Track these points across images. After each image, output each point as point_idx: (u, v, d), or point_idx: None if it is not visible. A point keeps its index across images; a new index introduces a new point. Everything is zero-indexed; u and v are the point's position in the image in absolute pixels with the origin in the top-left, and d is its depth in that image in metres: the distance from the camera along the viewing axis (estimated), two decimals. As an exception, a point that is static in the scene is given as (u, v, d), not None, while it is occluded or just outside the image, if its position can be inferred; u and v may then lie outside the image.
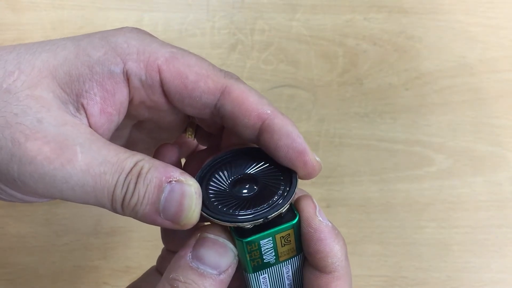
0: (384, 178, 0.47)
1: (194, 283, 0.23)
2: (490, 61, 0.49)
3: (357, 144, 0.48)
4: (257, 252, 0.24)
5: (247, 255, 0.24)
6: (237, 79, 0.26)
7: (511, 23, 0.50)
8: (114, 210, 0.23)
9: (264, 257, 0.25)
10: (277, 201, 0.24)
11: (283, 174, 0.26)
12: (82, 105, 0.24)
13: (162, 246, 0.45)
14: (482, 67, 0.49)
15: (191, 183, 0.23)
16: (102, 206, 0.23)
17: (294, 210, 0.25)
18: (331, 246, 0.24)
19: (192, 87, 0.25)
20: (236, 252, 0.24)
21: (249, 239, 0.24)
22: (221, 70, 0.26)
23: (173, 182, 0.23)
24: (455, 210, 0.46)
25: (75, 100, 0.24)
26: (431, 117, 0.48)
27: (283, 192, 0.25)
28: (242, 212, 0.24)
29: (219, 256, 0.24)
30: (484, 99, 0.49)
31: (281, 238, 0.25)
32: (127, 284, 0.45)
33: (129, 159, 0.23)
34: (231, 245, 0.24)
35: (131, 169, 0.23)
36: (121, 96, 0.25)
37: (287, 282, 0.27)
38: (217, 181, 0.26)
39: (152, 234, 0.46)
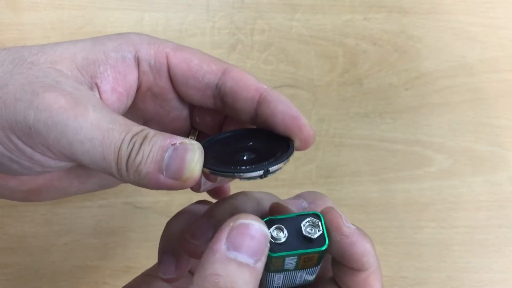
0: (384, 178, 0.47)
1: (234, 276, 0.22)
2: (490, 61, 0.49)
3: (357, 144, 0.48)
4: (280, 263, 0.25)
5: (270, 264, 0.25)
6: (237, 66, 0.28)
7: (511, 23, 0.50)
8: (118, 171, 0.24)
9: (284, 266, 0.26)
10: (278, 156, 0.25)
11: (280, 143, 0.27)
12: (96, 84, 0.27)
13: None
14: (482, 67, 0.49)
15: (193, 143, 0.24)
16: (108, 166, 0.24)
17: (325, 236, 0.25)
18: (364, 246, 0.26)
19: (196, 68, 0.27)
20: (269, 235, 0.24)
21: (276, 254, 0.24)
22: (221, 59, 0.28)
23: (177, 144, 0.24)
24: (455, 210, 0.46)
25: (90, 81, 0.26)
26: (431, 117, 0.48)
27: (282, 153, 0.26)
28: (243, 167, 0.24)
29: (255, 243, 0.23)
30: (484, 99, 0.49)
31: (305, 257, 0.25)
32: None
33: (136, 125, 0.24)
34: (265, 229, 0.23)
35: (138, 132, 0.24)
36: (131, 78, 0.27)
37: (298, 280, 0.28)
38: (218, 150, 0.27)
39: (152, 235, 0.46)
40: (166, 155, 0.23)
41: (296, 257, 0.25)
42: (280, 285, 0.28)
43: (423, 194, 0.47)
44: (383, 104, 0.48)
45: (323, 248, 0.25)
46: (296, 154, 0.47)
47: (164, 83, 0.28)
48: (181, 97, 0.29)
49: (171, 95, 0.29)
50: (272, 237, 0.24)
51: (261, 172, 0.24)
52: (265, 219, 0.25)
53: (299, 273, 0.27)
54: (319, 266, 0.27)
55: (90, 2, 0.51)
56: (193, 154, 0.24)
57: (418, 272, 0.45)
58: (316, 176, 0.47)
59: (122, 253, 0.46)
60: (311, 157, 0.47)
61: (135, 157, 0.23)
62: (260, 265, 0.23)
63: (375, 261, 0.27)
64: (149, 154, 0.23)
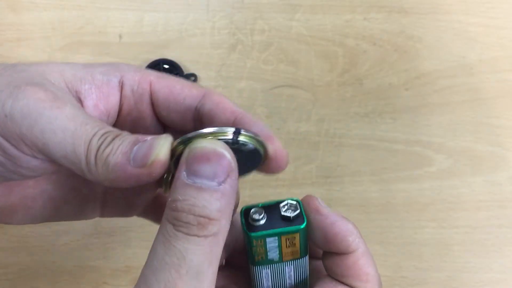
0: (384, 178, 0.47)
1: (192, 198, 0.22)
2: (490, 61, 0.49)
3: (357, 144, 0.48)
4: (262, 248, 0.26)
5: (253, 249, 0.26)
6: (218, 92, 0.29)
7: (511, 23, 0.50)
8: (87, 164, 0.24)
9: (268, 254, 0.26)
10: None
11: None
12: (80, 99, 0.27)
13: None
14: (482, 67, 0.49)
15: (164, 135, 0.24)
16: (78, 159, 0.24)
17: (303, 215, 0.26)
18: (346, 225, 0.27)
19: (178, 92, 0.29)
20: (232, 158, 0.23)
21: (256, 234, 0.25)
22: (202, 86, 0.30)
23: (148, 139, 0.24)
24: (455, 210, 0.46)
25: (75, 95, 0.27)
26: (431, 117, 0.48)
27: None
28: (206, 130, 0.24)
29: (214, 165, 0.23)
30: (484, 99, 0.49)
31: (287, 240, 0.26)
32: (127, 284, 0.45)
33: (112, 127, 0.25)
34: (224, 150, 0.23)
35: (112, 130, 0.25)
36: (113, 99, 0.29)
37: (288, 281, 0.28)
38: None
39: (152, 235, 0.46)
40: (135, 147, 0.24)
41: (277, 238, 0.26)
42: (270, 285, 0.28)
43: (423, 194, 0.47)
44: (383, 104, 0.48)
45: (302, 226, 0.26)
46: (296, 154, 0.47)
47: (145, 107, 0.29)
48: (160, 122, 0.30)
49: (150, 119, 0.30)
50: (252, 219, 0.26)
51: (232, 131, 0.24)
52: (243, 208, 0.26)
53: (287, 269, 0.27)
54: (305, 261, 0.27)
55: (90, 2, 0.51)
56: (160, 141, 0.24)
57: (418, 272, 0.45)
58: (316, 176, 0.47)
59: (122, 253, 0.46)
60: (311, 157, 0.47)
61: (104, 150, 0.24)
62: (227, 187, 0.23)
63: (361, 242, 0.27)
64: (118, 147, 0.24)
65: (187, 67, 0.49)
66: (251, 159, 0.26)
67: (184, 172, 0.23)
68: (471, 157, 0.47)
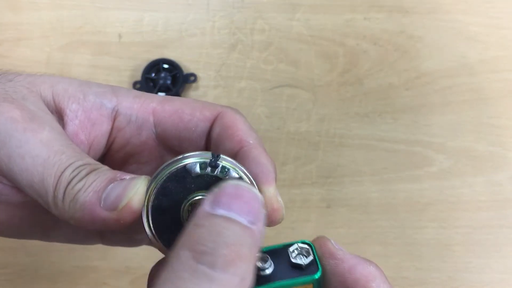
0: (385, 178, 0.47)
1: (221, 228, 0.18)
2: (491, 61, 0.49)
3: (357, 144, 0.48)
4: None
5: None
6: (236, 110, 0.25)
7: (511, 23, 0.50)
8: (54, 198, 0.21)
9: None
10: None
11: None
12: (62, 119, 0.24)
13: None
14: (483, 67, 0.49)
15: (143, 176, 0.22)
16: (44, 191, 0.21)
17: (317, 263, 0.22)
18: (367, 268, 0.23)
19: (189, 118, 0.25)
20: (263, 200, 0.20)
21: (263, 286, 0.21)
22: (216, 104, 0.26)
23: (126, 178, 0.21)
24: (456, 210, 0.46)
25: (59, 112, 0.24)
26: (431, 117, 0.48)
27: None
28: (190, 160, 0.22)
29: (247, 203, 0.19)
30: (484, 99, 0.49)
31: None
32: (127, 284, 0.45)
33: (92, 160, 0.22)
34: (258, 192, 0.20)
35: (90, 163, 0.22)
36: (101, 128, 0.25)
37: None
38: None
39: (152, 234, 0.46)
40: (109, 187, 0.21)
41: None
42: None
43: (423, 194, 0.47)
44: (384, 104, 0.48)
45: (317, 275, 0.22)
46: (296, 154, 0.47)
47: (147, 139, 0.26)
48: (170, 152, 0.26)
49: (153, 150, 0.26)
50: (256, 267, 0.21)
51: (209, 155, 0.22)
52: None
53: None
54: None
55: (90, 2, 0.51)
56: (136, 181, 0.21)
57: (418, 272, 0.45)
58: (316, 176, 0.47)
59: (122, 253, 0.45)
60: (311, 157, 0.47)
61: (75, 184, 0.21)
62: (258, 230, 0.19)
63: (386, 287, 0.22)
64: (91, 183, 0.21)
65: (187, 67, 0.49)
66: None
67: (209, 206, 0.19)
68: (471, 157, 0.47)
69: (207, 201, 0.19)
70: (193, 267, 0.17)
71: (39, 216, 0.26)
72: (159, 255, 0.44)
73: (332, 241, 0.23)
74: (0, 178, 0.23)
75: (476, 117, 0.48)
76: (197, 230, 0.18)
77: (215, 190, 0.20)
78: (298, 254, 0.22)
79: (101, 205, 0.21)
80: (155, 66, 0.48)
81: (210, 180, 0.22)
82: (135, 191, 0.21)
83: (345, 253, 0.23)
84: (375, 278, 0.22)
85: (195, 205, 0.22)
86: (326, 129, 0.48)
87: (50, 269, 0.45)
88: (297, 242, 0.22)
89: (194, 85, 0.49)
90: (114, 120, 0.25)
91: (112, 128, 0.25)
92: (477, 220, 0.46)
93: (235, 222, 0.19)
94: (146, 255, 0.46)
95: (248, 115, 0.48)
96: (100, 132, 0.25)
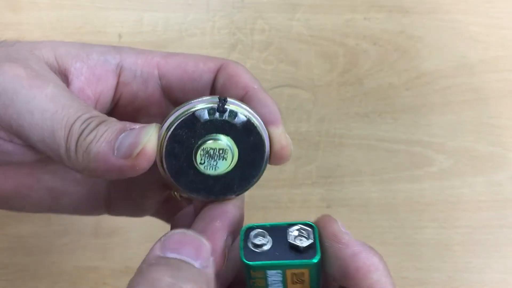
0: (385, 178, 0.47)
1: (179, 266, 0.20)
2: (491, 61, 0.49)
3: (357, 144, 0.48)
4: (262, 281, 0.21)
5: (250, 281, 0.21)
6: (238, 62, 0.27)
7: (511, 23, 0.50)
8: (67, 151, 0.22)
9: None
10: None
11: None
12: (67, 79, 0.25)
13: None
14: (483, 67, 0.49)
15: (154, 124, 0.22)
16: (56, 144, 0.22)
17: (317, 247, 0.21)
18: (371, 258, 0.22)
19: (193, 70, 0.26)
20: (208, 245, 0.20)
21: (255, 263, 0.21)
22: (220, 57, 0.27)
23: (136, 127, 0.22)
24: (456, 210, 0.46)
25: (63, 73, 0.25)
26: (431, 117, 0.48)
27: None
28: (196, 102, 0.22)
29: (194, 247, 0.20)
30: (484, 99, 0.48)
31: (293, 274, 0.21)
32: (127, 284, 0.45)
33: (99, 112, 0.23)
34: (201, 238, 0.21)
35: (98, 115, 0.22)
36: (107, 84, 0.25)
37: None
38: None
39: (152, 235, 0.46)
40: (121, 136, 0.21)
41: (281, 271, 0.21)
42: None
43: (423, 194, 0.47)
44: (384, 104, 0.48)
45: (314, 260, 0.21)
46: (296, 154, 0.47)
47: (153, 93, 0.26)
48: (169, 102, 0.27)
49: (160, 104, 0.27)
50: (253, 243, 0.21)
51: (216, 100, 0.22)
52: (245, 226, 0.22)
53: None
54: None
55: (90, 2, 0.51)
56: (148, 129, 0.22)
57: (418, 272, 0.45)
58: (316, 176, 0.47)
59: (122, 253, 0.46)
60: (311, 157, 0.47)
61: (87, 136, 0.21)
62: (210, 272, 0.20)
63: (388, 281, 0.22)
64: (103, 134, 0.21)
65: (187, 67, 0.49)
66: (253, 146, 0.23)
67: (158, 249, 0.20)
68: (471, 157, 0.47)
69: (156, 247, 0.20)
70: None
71: (47, 181, 0.26)
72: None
73: (340, 223, 0.23)
74: (11, 137, 0.23)
75: (476, 117, 0.48)
76: (153, 268, 0.19)
77: (162, 237, 0.21)
78: (298, 235, 0.21)
79: (115, 154, 0.21)
80: (155, 66, 0.48)
81: (220, 124, 0.22)
82: (148, 138, 0.21)
83: (350, 238, 0.22)
84: (377, 269, 0.22)
85: (206, 149, 0.22)
86: (326, 129, 0.48)
87: (50, 269, 0.45)
88: (300, 223, 0.22)
89: (194, 85, 0.49)
90: (119, 75, 0.26)
91: (117, 83, 0.26)
92: (477, 220, 0.46)
93: (190, 264, 0.19)
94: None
95: (248, 115, 0.48)
96: (106, 87, 0.26)
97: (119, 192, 0.29)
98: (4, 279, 0.45)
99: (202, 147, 0.22)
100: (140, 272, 0.20)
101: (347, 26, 0.50)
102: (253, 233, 0.21)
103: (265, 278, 0.21)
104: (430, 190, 0.47)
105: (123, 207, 0.30)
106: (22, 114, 0.22)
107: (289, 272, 0.21)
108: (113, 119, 0.22)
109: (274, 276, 0.21)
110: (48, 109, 0.22)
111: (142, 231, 0.46)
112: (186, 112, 0.22)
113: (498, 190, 0.47)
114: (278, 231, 0.21)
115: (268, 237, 0.21)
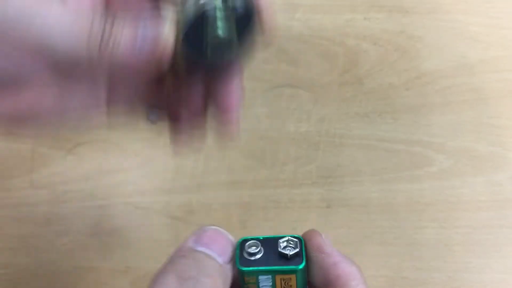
0: (385, 178, 0.47)
1: (203, 261, 0.23)
2: (491, 61, 0.49)
3: (357, 144, 0.48)
4: (254, 286, 0.24)
5: (244, 286, 0.24)
6: None
7: (511, 23, 0.50)
8: (89, 54, 0.23)
9: None
10: None
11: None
12: None
13: (161, 246, 0.45)
14: (483, 67, 0.49)
15: (167, 21, 0.24)
16: (81, 48, 0.23)
17: (303, 255, 0.24)
18: (349, 267, 0.24)
19: None
20: (234, 242, 0.25)
21: (247, 269, 0.24)
22: None
23: (146, 18, 0.23)
24: (456, 210, 0.46)
25: None
26: (431, 117, 0.48)
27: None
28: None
29: (222, 244, 0.24)
30: (484, 99, 0.48)
31: (282, 280, 0.24)
32: (127, 284, 0.45)
33: (101, 9, 0.24)
34: (230, 236, 0.25)
35: (108, 15, 0.23)
36: None
37: None
38: None
39: (152, 235, 0.46)
40: (140, 31, 0.23)
41: (271, 277, 0.24)
42: None
43: (423, 194, 0.46)
44: (384, 104, 0.48)
45: (300, 266, 0.24)
46: (296, 154, 0.47)
47: None
48: None
49: None
50: (247, 252, 0.24)
51: None
52: (241, 239, 0.25)
53: None
54: None
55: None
56: (163, 26, 0.23)
57: (418, 272, 0.45)
58: (316, 176, 0.47)
59: (122, 253, 0.45)
60: (311, 157, 0.47)
61: (108, 39, 0.23)
62: (228, 268, 0.24)
63: None
64: (122, 35, 0.23)
65: (187, 67, 0.49)
66: (243, 22, 0.25)
67: (192, 241, 0.24)
68: (471, 157, 0.47)
69: (191, 239, 0.24)
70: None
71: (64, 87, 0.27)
72: (159, 255, 0.44)
73: (323, 236, 0.25)
74: (35, 58, 0.24)
75: (476, 117, 0.48)
76: (182, 260, 0.23)
77: (198, 231, 0.24)
78: (287, 246, 0.24)
79: (139, 51, 0.23)
80: (155, 66, 0.48)
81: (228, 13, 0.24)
82: (168, 26, 0.23)
83: (333, 249, 0.25)
84: (355, 278, 0.24)
85: (219, 42, 0.24)
86: (326, 129, 0.48)
87: (50, 269, 0.45)
88: (288, 236, 0.25)
89: (194, 85, 0.49)
90: None
91: None
92: (477, 220, 0.46)
93: (214, 260, 0.23)
94: (146, 255, 0.46)
95: (248, 115, 0.48)
96: None
97: (118, 85, 0.30)
98: (4, 279, 0.45)
99: (212, 42, 0.24)
100: (171, 261, 0.23)
101: (347, 26, 0.50)
102: (247, 244, 0.24)
103: (257, 283, 0.24)
104: (430, 190, 0.47)
105: (121, 100, 0.30)
106: (44, 30, 0.23)
107: (278, 278, 0.24)
108: (120, 15, 0.23)
109: (265, 281, 0.24)
110: (65, 20, 0.23)
111: (142, 231, 0.46)
112: (196, 12, 0.23)
113: (498, 190, 0.47)
114: (269, 242, 0.24)
115: (261, 247, 0.24)
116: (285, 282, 0.24)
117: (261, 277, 0.24)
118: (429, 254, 0.46)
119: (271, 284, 0.24)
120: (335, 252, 0.25)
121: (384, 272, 0.45)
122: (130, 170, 0.47)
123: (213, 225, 0.25)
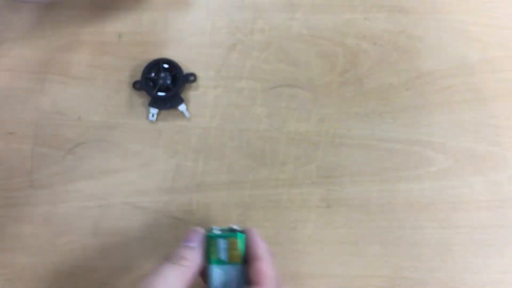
0: (385, 178, 0.47)
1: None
2: (491, 61, 0.49)
3: (357, 144, 0.48)
4: (215, 248, 0.37)
5: (209, 248, 0.37)
6: None
7: (511, 23, 0.50)
8: None
9: (219, 254, 0.37)
10: None
11: None
12: None
13: (160, 246, 0.46)
14: (483, 67, 0.49)
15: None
16: None
17: (243, 231, 0.38)
18: (261, 242, 0.37)
19: None
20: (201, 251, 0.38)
21: (211, 234, 0.38)
22: None
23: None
24: (456, 210, 0.46)
25: None
26: (431, 117, 0.48)
27: None
28: None
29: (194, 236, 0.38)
30: (484, 99, 0.49)
31: (231, 243, 0.37)
32: (127, 284, 0.45)
33: None
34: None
35: None
36: None
37: (234, 284, 0.37)
38: None
39: (152, 235, 0.46)
40: None
41: (226, 241, 0.37)
42: (221, 284, 0.37)
43: (423, 194, 0.47)
44: (383, 104, 0.48)
45: (242, 234, 0.37)
46: (296, 154, 0.47)
47: None
48: None
49: None
50: (214, 232, 0.38)
51: None
52: (209, 234, 0.38)
53: (233, 272, 0.37)
54: (244, 270, 0.37)
55: (90, 1, 0.51)
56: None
57: (418, 272, 0.45)
58: (316, 176, 0.47)
59: (122, 253, 0.46)
60: (311, 157, 0.47)
61: None
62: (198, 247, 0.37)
63: (269, 254, 0.36)
64: None
65: (187, 67, 0.49)
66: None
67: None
68: (471, 157, 0.47)
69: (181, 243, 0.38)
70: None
71: None
72: (159, 255, 0.44)
73: (255, 231, 0.38)
74: None
75: (476, 117, 0.48)
76: (177, 250, 0.37)
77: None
78: (236, 227, 0.39)
79: None
80: (155, 66, 0.48)
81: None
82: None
83: (257, 238, 0.38)
84: (263, 247, 0.37)
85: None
86: (326, 129, 0.48)
87: (50, 269, 0.46)
88: (238, 228, 0.39)
89: (194, 84, 0.49)
90: None
91: None
92: (476, 220, 0.46)
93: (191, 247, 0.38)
94: (146, 255, 0.46)
95: (248, 115, 0.48)
96: None
97: None
98: (4, 279, 0.45)
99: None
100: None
101: (347, 26, 0.50)
102: (214, 228, 0.39)
103: (217, 245, 0.37)
104: (430, 190, 0.47)
105: None
106: None
107: (229, 241, 0.37)
108: None
109: (222, 244, 0.37)
110: None
111: (142, 231, 0.46)
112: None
113: (498, 190, 0.47)
114: (227, 230, 0.39)
115: (220, 230, 0.39)
116: (232, 246, 0.37)
117: (219, 240, 0.37)
118: (429, 254, 0.46)
119: (226, 247, 0.37)
120: (254, 231, 0.38)
121: (384, 272, 0.45)
122: (130, 170, 0.47)
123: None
